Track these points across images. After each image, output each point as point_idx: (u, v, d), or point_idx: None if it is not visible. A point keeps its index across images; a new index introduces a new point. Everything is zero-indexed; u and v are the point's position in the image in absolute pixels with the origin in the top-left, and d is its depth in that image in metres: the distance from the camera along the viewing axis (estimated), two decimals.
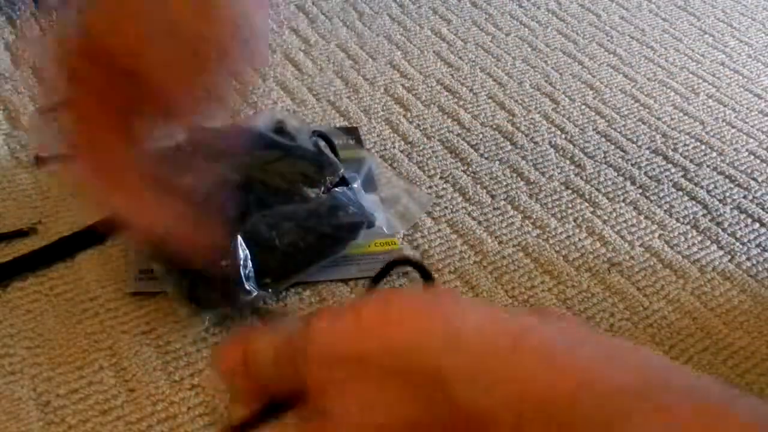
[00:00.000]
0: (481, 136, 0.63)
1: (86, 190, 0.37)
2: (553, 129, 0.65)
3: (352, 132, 0.60)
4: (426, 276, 0.42)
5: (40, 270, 0.45)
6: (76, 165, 0.37)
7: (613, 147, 0.64)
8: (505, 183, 0.58)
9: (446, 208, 0.55)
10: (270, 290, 0.44)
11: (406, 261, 0.47)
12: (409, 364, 0.25)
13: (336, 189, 0.47)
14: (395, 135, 0.62)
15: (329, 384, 0.26)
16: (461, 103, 0.67)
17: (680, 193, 0.59)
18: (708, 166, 0.63)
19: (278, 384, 0.28)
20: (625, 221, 0.56)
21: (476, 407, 0.24)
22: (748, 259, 0.54)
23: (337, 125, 0.61)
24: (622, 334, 0.46)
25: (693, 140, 0.66)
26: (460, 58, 0.74)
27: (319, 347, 0.26)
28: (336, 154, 0.53)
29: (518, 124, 0.65)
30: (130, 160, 0.36)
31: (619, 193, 0.59)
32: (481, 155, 0.61)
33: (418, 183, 0.57)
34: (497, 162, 0.60)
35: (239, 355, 0.30)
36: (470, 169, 0.59)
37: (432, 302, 0.27)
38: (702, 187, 0.60)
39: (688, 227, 0.56)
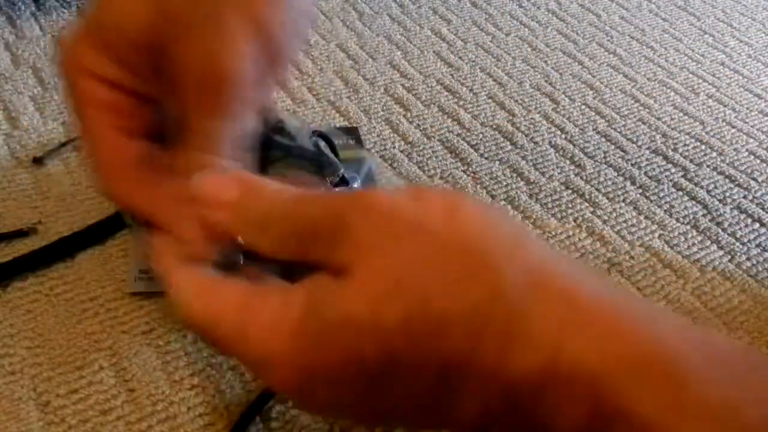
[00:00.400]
0: (481, 136, 0.63)
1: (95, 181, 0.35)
2: (553, 129, 0.65)
3: (352, 132, 0.60)
4: None
5: (40, 270, 0.45)
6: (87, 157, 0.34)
7: (613, 147, 0.64)
8: (505, 183, 0.58)
9: None
10: None
11: None
12: (467, 255, 0.23)
13: (336, 189, 0.47)
14: (395, 135, 0.62)
15: (375, 250, 0.23)
16: (461, 103, 0.67)
17: (680, 193, 0.59)
18: (708, 166, 0.63)
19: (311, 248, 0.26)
20: (625, 221, 0.56)
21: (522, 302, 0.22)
22: (748, 259, 0.54)
23: (337, 125, 0.61)
24: None
25: (693, 140, 0.66)
26: (460, 58, 0.74)
27: (374, 211, 0.24)
28: (336, 154, 0.53)
29: (518, 124, 0.65)
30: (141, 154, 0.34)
31: (619, 193, 0.59)
32: (481, 155, 0.61)
33: (418, 183, 0.57)
34: (497, 162, 0.60)
35: (230, 190, 0.28)
36: (470, 169, 0.59)
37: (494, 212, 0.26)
38: (702, 187, 0.60)
39: (688, 227, 0.56)
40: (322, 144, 0.53)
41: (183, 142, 0.32)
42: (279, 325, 0.24)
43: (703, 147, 0.65)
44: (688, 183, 0.61)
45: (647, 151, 0.64)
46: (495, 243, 0.24)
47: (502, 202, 0.56)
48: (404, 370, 0.23)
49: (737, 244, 0.55)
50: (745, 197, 0.60)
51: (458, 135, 0.63)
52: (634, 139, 0.65)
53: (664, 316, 0.25)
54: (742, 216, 0.58)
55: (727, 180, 0.61)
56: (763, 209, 0.59)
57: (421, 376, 0.23)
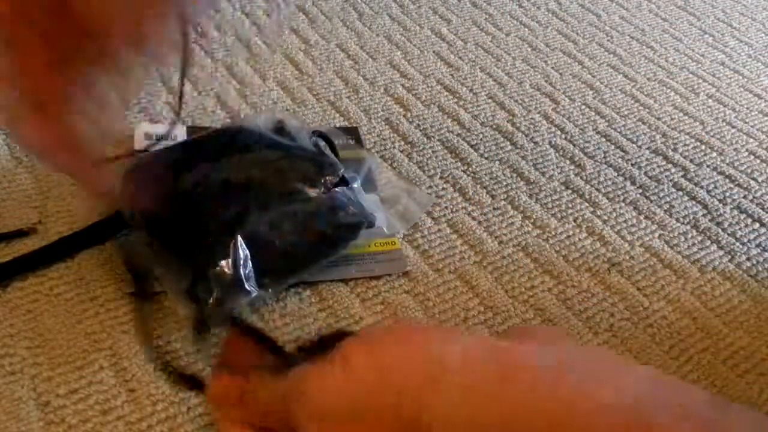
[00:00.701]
0: (481, 136, 0.63)
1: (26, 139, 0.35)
2: (553, 129, 0.65)
3: (352, 132, 0.60)
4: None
5: (40, 270, 0.45)
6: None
7: (613, 147, 0.64)
8: (505, 183, 0.58)
9: (446, 208, 0.55)
10: (270, 290, 0.44)
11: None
12: (395, 408, 0.26)
13: (336, 189, 0.47)
14: (395, 135, 0.62)
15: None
16: (461, 103, 0.67)
17: (680, 193, 0.59)
18: (708, 166, 0.63)
19: (272, 420, 0.31)
20: (625, 221, 0.56)
21: None
22: (748, 259, 0.54)
23: (337, 125, 0.61)
24: (622, 334, 0.46)
25: (693, 140, 0.66)
26: (460, 58, 0.74)
27: (312, 404, 0.28)
28: (336, 154, 0.53)
29: (518, 124, 0.65)
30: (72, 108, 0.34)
31: (619, 193, 0.59)
32: (481, 155, 0.61)
33: (418, 183, 0.57)
34: (497, 162, 0.60)
35: (235, 388, 0.33)
36: (470, 169, 0.59)
37: (416, 340, 0.28)
38: (702, 187, 0.60)
39: (688, 227, 0.56)
40: (322, 144, 0.53)
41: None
42: None
43: (703, 147, 0.65)
44: (688, 183, 0.61)
45: (647, 151, 0.64)
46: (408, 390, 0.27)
47: (502, 202, 0.56)
48: None
49: (737, 244, 0.55)
50: (745, 197, 0.60)
51: (458, 135, 0.63)
52: (634, 139, 0.65)
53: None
54: (742, 216, 0.58)
55: (727, 180, 0.62)
56: (763, 209, 0.59)
57: None
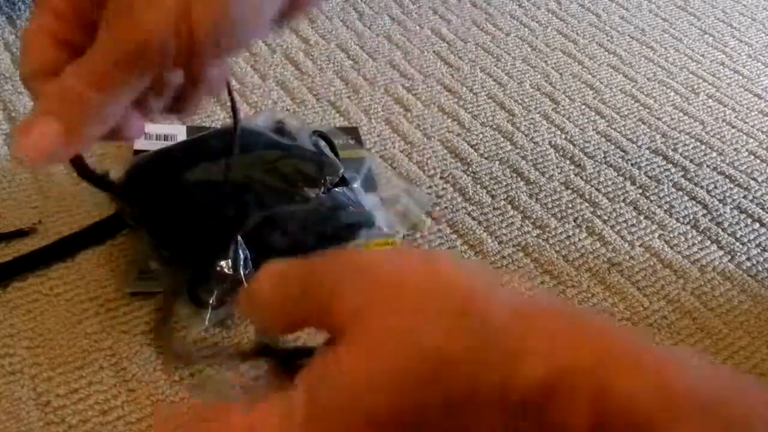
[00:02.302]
0: (481, 136, 0.63)
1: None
2: (553, 129, 0.65)
3: (352, 132, 0.60)
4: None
5: (40, 270, 0.45)
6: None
7: (613, 147, 0.64)
8: (505, 183, 0.58)
9: (446, 208, 0.55)
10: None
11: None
12: (452, 297, 0.24)
13: (336, 189, 0.47)
14: (395, 135, 0.62)
15: (363, 310, 0.24)
16: (461, 103, 0.67)
17: (680, 193, 0.59)
18: (708, 166, 0.63)
19: (305, 317, 0.26)
20: (625, 221, 0.56)
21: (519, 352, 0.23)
22: (748, 259, 0.54)
23: (337, 125, 0.61)
24: None
25: (693, 140, 0.66)
26: (460, 58, 0.74)
27: (356, 271, 0.25)
28: (336, 154, 0.53)
29: (518, 124, 0.65)
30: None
31: (619, 193, 0.59)
32: (481, 155, 0.61)
33: (418, 183, 0.57)
34: (497, 162, 0.60)
35: (268, 287, 0.27)
36: (470, 169, 0.59)
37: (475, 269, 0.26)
38: (702, 187, 0.60)
39: (688, 227, 0.56)
40: (322, 144, 0.53)
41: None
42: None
43: (703, 147, 0.65)
44: (688, 183, 0.61)
45: (647, 151, 0.64)
46: (475, 286, 0.25)
47: (502, 202, 0.56)
48: (417, 419, 0.23)
49: (737, 244, 0.55)
50: (745, 197, 0.60)
51: (458, 135, 0.63)
52: (634, 139, 0.65)
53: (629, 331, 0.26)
54: (742, 216, 0.58)
55: (727, 180, 0.62)
56: (763, 209, 0.59)
57: (433, 422, 0.23)
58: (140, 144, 0.54)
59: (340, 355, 0.24)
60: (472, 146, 0.62)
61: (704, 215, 0.57)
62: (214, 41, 0.30)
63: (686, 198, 0.59)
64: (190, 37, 0.30)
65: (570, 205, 0.57)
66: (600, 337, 0.23)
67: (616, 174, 0.61)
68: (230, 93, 0.39)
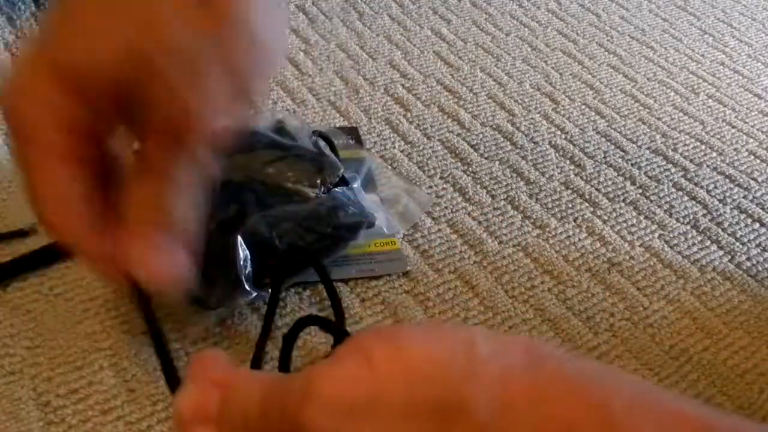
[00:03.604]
0: (481, 136, 0.63)
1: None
2: (553, 129, 0.65)
3: (352, 132, 0.60)
4: (337, 334, 0.41)
5: (40, 270, 0.45)
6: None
7: (613, 147, 0.64)
8: (505, 183, 0.58)
9: (446, 208, 0.55)
10: (270, 290, 0.44)
11: (316, 320, 0.44)
12: (430, 398, 0.23)
13: (336, 189, 0.47)
14: (395, 135, 0.62)
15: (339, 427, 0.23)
16: (461, 103, 0.67)
17: (680, 193, 0.59)
18: (708, 166, 0.63)
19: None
20: (625, 221, 0.56)
21: None
22: (748, 259, 0.54)
23: (337, 125, 0.61)
24: (622, 334, 0.46)
25: (693, 140, 0.66)
26: (460, 58, 0.74)
27: (325, 395, 0.24)
28: (336, 154, 0.53)
29: (518, 124, 0.65)
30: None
31: (619, 193, 0.59)
32: (481, 155, 0.61)
33: (418, 183, 0.57)
34: (497, 162, 0.60)
35: (211, 398, 0.26)
36: (470, 169, 0.59)
37: (437, 333, 0.26)
38: (702, 187, 0.60)
39: (688, 227, 0.56)
40: (322, 144, 0.53)
41: (136, 187, 0.32)
42: None
43: (703, 147, 0.65)
44: (688, 183, 0.61)
45: (647, 151, 0.64)
46: (452, 385, 0.24)
47: (502, 202, 0.56)
48: None
49: (737, 244, 0.55)
50: (745, 197, 0.60)
51: (458, 135, 0.63)
52: (634, 139, 0.65)
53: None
54: (742, 216, 0.58)
55: (727, 180, 0.62)
56: (763, 209, 0.59)
57: None
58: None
59: None
60: (472, 146, 0.62)
61: (704, 215, 0.57)
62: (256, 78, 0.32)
63: (686, 198, 0.59)
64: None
65: (570, 205, 0.57)
66: (611, 395, 0.23)
67: (616, 174, 0.61)
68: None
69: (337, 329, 0.42)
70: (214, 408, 0.26)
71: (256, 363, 0.41)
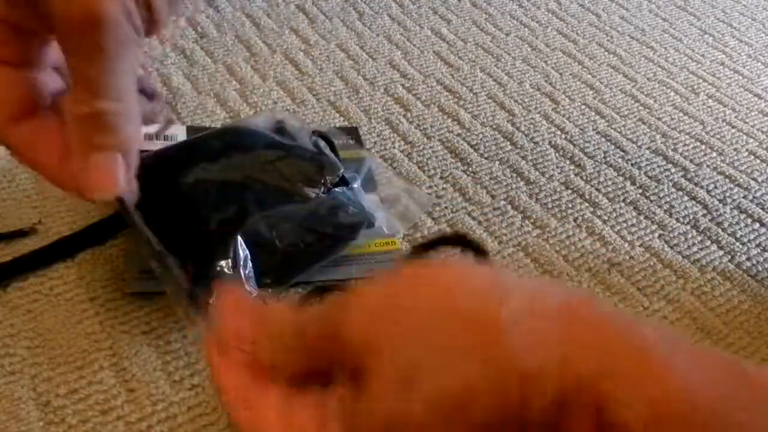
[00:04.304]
0: (481, 136, 0.63)
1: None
2: (553, 129, 0.65)
3: (352, 132, 0.60)
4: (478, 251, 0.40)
5: (40, 270, 0.45)
6: None
7: (613, 147, 0.64)
8: (505, 183, 0.58)
9: (446, 208, 0.55)
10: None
11: (458, 239, 0.43)
12: (467, 324, 0.24)
13: (336, 189, 0.47)
14: (395, 135, 0.62)
15: (378, 341, 0.24)
16: (461, 103, 0.67)
17: (680, 193, 0.59)
18: (708, 166, 0.63)
19: (299, 360, 0.26)
20: (625, 221, 0.56)
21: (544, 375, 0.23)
22: (748, 259, 0.54)
23: (337, 125, 0.61)
24: None
25: (693, 140, 0.66)
26: (460, 58, 0.74)
27: (365, 302, 0.25)
28: (336, 154, 0.53)
29: (518, 124, 0.65)
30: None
31: (619, 193, 0.59)
32: (481, 155, 0.61)
33: (418, 183, 0.57)
34: (497, 162, 0.60)
35: (246, 323, 0.27)
36: (470, 169, 0.59)
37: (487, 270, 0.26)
38: (702, 187, 0.60)
39: (688, 227, 0.56)
40: (322, 144, 0.53)
41: (70, 86, 0.31)
42: None
43: (703, 147, 0.65)
44: (688, 183, 0.61)
45: (647, 151, 0.64)
46: (485, 303, 0.25)
47: (502, 202, 0.56)
48: None
49: (737, 244, 0.55)
50: (745, 197, 0.60)
51: (458, 135, 0.63)
52: (634, 139, 0.65)
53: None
54: (742, 216, 0.58)
55: (727, 180, 0.62)
56: (763, 209, 0.59)
57: None
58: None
59: (370, 390, 0.24)
60: (472, 146, 0.62)
61: (704, 215, 0.57)
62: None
63: (686, 198, 0.59)
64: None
65: (570, 205, 0.57)
66: (611, 342, 0.23)
67: (616, 174, 0.61)
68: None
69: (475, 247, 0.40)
70: (249, 332, 0.27)
71: None
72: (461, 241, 0.42)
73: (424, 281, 0.25)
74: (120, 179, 0.32)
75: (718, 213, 0.58)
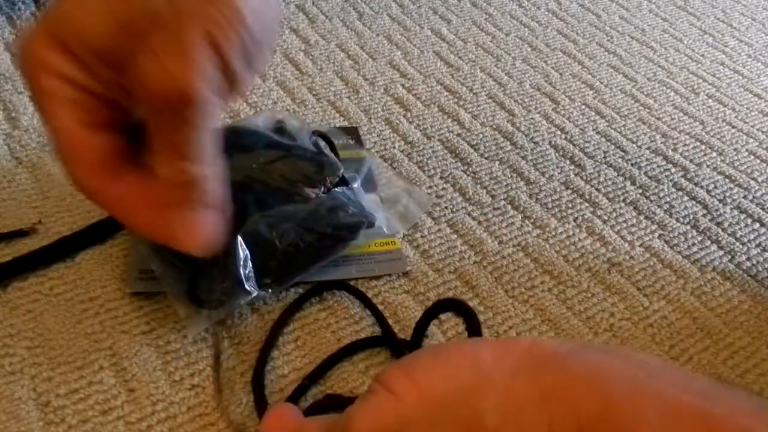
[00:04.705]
0: (481, 136, 0.63)
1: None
2: (553, 129, 0.65)
3: (352, 132, 0.60)
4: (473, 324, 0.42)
5: (40, 270, 0.45)
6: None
7: (613, 147, 0.64)
8: (505, 183, 0.58)
9: (446, 208, 0.55)
10: (270, 290, 0.44)
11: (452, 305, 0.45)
12: (448, 415, 0.26)
13: (336, 189, 0.47)
14: (395, 135, 0.62)
15: None
16: (461, 103, 0.67)
17: (680, 193, 0.59)
18: (708, 166, 0.63)
19: None
20: (625, 221, 0.56)
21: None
22: (748, 259, 0.54)
23: (337, 125, 0.61)
24: (622, 334, 0.46)
25: (693, 140, 0.66)
26: (460, 58, 0.74)
27: (360, 428, 0.28)
28: (336, 154, 0.53)
29: (518, 124, 0.65)
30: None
31: (619, 193, 0.59)
32: (481, 155, 0.61)
33: (418, 183, 0.57)
34: (497, 162, 0.60)
35: (292, 422, 0.33)
36: (470, 169, 0.59)
37: (444, 354, 0.29)
38: (702, 187, 0.60)
39: (688, 227, 0.56)
40: (322, 144, 0.53)
41: (155, 148, 0.32)
42: None
43: (703, 147, 0.65)
44: (688, 183, 0.61)
45: (647, 151, 0.64)
46: (455, 397, 0.27)
47: (502, 202, 0.56)
48: None
49: (737, 244, 0.55)
50: (745, 197, 0.60)
51: (458, 135, 0.63)
52: (634, 139, 0.65)
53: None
54: (742, 216, 0.58)
55: (727, 180, 0.62)
56: (763, 209, 0.59)
57: None
58: None
59: None
60: (472, 146, 0.62)
61: (704, 215, 0.57)
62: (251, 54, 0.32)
63: (686, 198, 0.59)
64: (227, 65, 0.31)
65: (570, 205, 0.57)
66: (613, 385, 0.25)
67: (616, 174, 0.61)
68: None
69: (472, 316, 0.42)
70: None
71: (260, 363, 0.41)
72: (456, 306, 0.43)
73: (403, 398, 0.28)
74: (214, 233, 0.35)
75: (718, 213, 0.58)
